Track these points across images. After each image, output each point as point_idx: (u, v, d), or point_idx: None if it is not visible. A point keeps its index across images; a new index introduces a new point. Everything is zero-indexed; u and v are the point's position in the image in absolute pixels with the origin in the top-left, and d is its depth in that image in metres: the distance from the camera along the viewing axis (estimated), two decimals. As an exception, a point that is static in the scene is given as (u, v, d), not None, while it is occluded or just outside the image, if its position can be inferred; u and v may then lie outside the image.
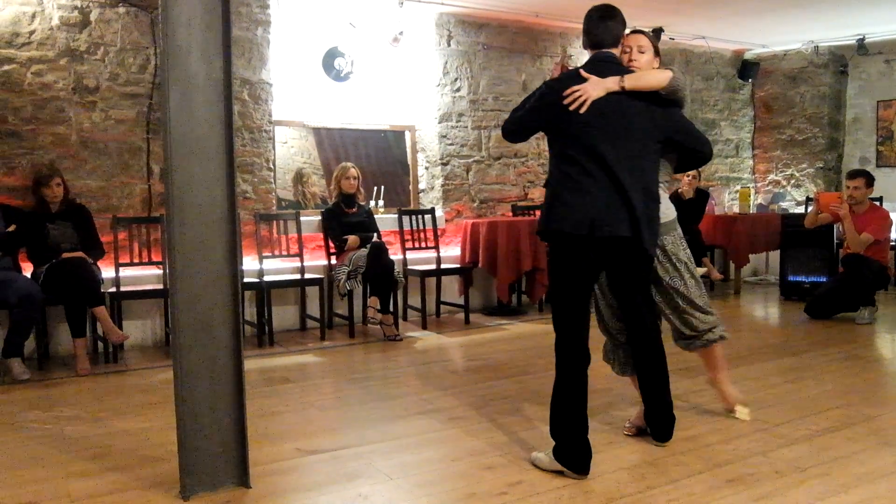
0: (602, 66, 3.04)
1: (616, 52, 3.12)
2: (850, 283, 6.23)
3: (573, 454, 2.95)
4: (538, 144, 7.66)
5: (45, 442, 3.47)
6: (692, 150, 3.18)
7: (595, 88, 2.93)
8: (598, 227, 2.89)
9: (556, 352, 3.04)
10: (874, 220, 6.16)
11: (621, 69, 3.06)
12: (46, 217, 5.03)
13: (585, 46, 3.18)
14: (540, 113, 3.08)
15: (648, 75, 3.02)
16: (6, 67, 5.18)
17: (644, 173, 2.99)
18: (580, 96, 2.92)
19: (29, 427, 3.71)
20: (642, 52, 3.15)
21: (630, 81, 2.96)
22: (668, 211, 3.27)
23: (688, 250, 3.37)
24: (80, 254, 4.98)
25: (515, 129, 3.21)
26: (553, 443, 3.01)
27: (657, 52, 3.23)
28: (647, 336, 3.21)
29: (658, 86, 2.98)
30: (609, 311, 3.34)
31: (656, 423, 3.30)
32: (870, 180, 6.26)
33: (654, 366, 3.24)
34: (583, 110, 2.91)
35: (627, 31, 3.17)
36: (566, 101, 2.93)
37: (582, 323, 3.01)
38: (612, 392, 4.10)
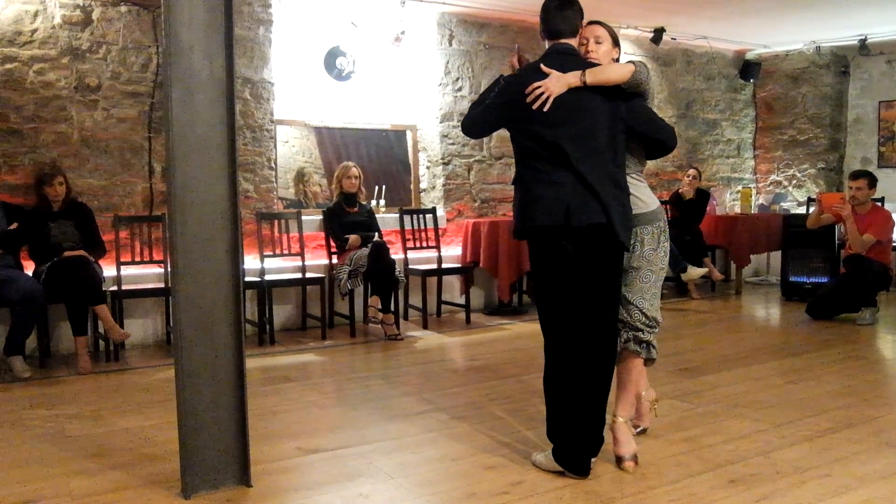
0: (562, 58, 2.96)
1: (573, 42, 3.03)
2: (851, 283, 6.22)
3: (572, 455, 2.94)
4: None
5: (46, 440, 3.48)
6: (656, 141, 3.08)
7: (556, 84, 2.85)
8: (574, 216, 2.84)
9: (547, 354, 3.00)
10: (876, 221, 6.16)
11: (581, 62, 2.99)
12: (48, 215, 5.04)
13: (543, 37, 3.08)
14: (501, 109, 3.02)
15: (610, 70, 2.93)
16: (8, 66, 5.18)
17: (609, 167, 2.92)
18: (542, 93, 2.85)
19: (30, 425, 3.71)
20: (599, 43, 3.08)
21: (591, 77, 2.87)
22: (648, 201, 3.14)
23: (666, 244, 3.17)
24: (81, 252, 4.98)
25: (475, 125, 3.15)
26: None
27: (616, 43, 3.17)
28: (604, 351, 3.01)
29: (620, 80, 2.89)
30: None
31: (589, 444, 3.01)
32: (872, 181, 6.25)
33: (601, 380, 3.02)
34: (546, 108, 2.85)
35: (586, 21, 3.10)
36: (529, 99, 2.86)
37: (573, 321, 2.96)
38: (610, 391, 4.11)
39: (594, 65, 2.98)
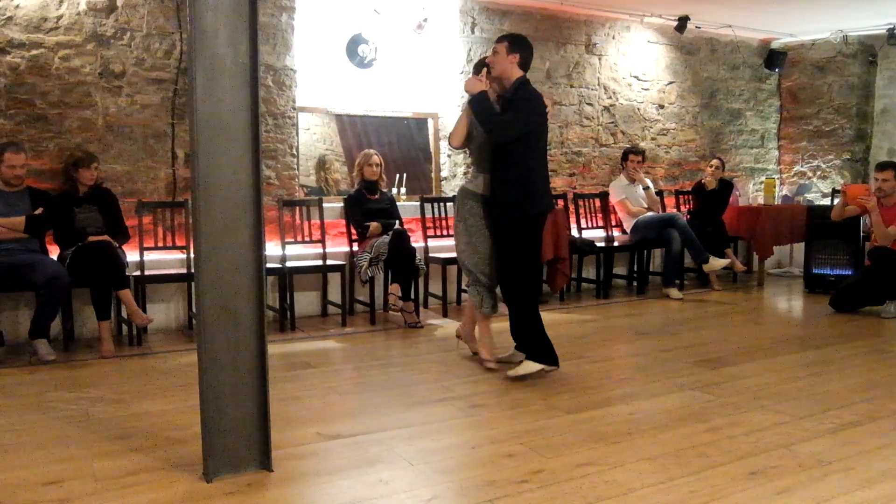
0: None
1: None
2: (876, 276, 6.15)
3: (549, 352, 4.19)
4: (561, 133, 7.63)
5: (69, 422, 3.52)
6: None
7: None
8: (552, 204, 4.40)
9: (524, 292, 4.18)
10: (902, 213, 6.07)
11: None
12: (73, 200, 5.09)
13: (516, 61, 4.15)
14: (535, 119, 4.15)
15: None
16: (34, 52, 5.23)
17: None
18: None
19: (54, 407, 3.76)
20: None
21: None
22: None
23: None
24: (105, 237, 5.03)
25: (520, 131, 4.07)
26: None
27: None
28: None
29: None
30: (482, 261, 4.37)
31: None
32: (899, 172, 6.16)
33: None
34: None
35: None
36: (550, 113, 4.35)
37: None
38: (632, 382, 4.10)
39: None
